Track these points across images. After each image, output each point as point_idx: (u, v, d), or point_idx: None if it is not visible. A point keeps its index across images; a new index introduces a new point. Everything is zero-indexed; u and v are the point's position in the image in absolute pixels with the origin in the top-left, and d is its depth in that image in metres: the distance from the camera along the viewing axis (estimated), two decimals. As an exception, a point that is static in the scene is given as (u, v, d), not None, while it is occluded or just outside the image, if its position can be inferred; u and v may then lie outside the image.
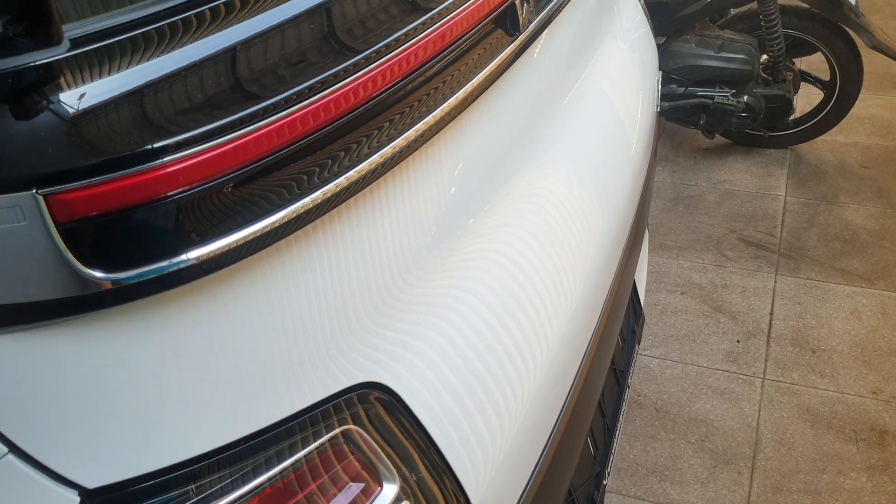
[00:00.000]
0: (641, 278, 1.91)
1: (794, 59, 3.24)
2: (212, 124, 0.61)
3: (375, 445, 0.80)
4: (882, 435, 2.07)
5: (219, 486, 0.71)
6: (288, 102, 0.65)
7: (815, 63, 3.41)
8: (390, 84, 0.74)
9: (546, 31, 1.04)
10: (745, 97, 3.09)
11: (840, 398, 2.19)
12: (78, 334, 0.63)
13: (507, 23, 0.92)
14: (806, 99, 3.40)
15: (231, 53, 0.64)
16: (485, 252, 0.98)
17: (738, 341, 2.42)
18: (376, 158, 0.75)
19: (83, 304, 0.60)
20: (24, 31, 0.55)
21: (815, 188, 3.12)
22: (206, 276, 0.65)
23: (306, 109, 0.66)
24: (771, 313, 2.52)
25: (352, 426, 0.79)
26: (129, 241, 0.60)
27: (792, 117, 3.25)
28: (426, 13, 0.78)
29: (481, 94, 0.88)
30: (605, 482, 1.46)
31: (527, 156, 1.12)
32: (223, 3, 0.65)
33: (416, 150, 0.81)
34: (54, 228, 0.57)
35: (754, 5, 3.07)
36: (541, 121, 1.18)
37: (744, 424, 2.13)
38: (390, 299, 0.86)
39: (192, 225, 0.62)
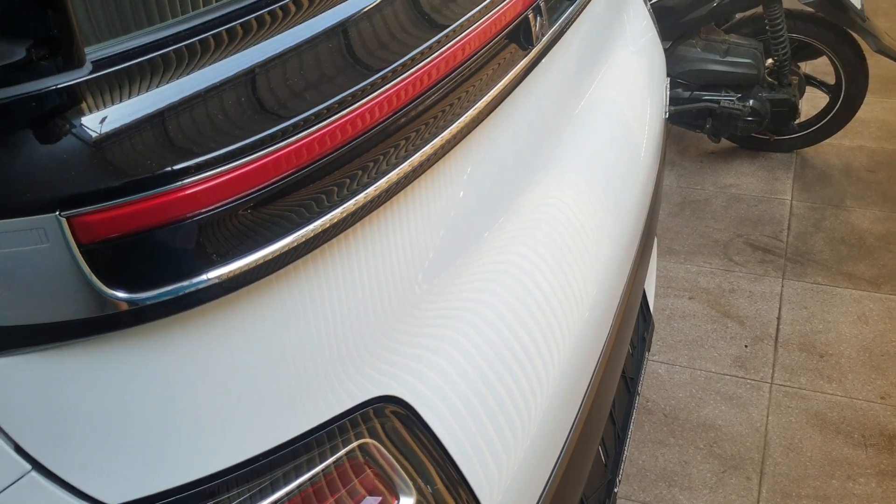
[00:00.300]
0: (651, 285, 1.92)
1: (799, 63, 3.24)
2: (231, 146, 0.62)
3: (392, 459, 0.81)
4: (891, 440, 2.07)
5: (237, 502, 0.71)
6: (306, 123, 0.66)
7: (821, 67, 3.41)
8: (406, 103, 0.74)
9: (558, 42, 1.04)
10: (751, 101, 3.09)
11: (848, 403, 2.19)
12: (99, 353, 0.64)
13: (520, 37, 0.92)
14: (811, 103, 3.40)
15: (250, 75, 0.64)
16: (499, 265, 0.98)
17: (745, 346, 2.42)
18: (393, 176, 0.76)
19: (105, 324, 0.61)
20: (46, 54, 0.56)
21: (821, 192, 3.12)
22: (226, 295, 0.65)
23: (324, 130, 0.67)
24: (778, 318, 2.52)
25: (368, 440, 0.80)
26: (151, 261, 0.61)
27: (797, 121, 3.24)
28: (441, 31, 0.79)
29: (495, 108, 0.89)
30: (615, 489, 1.46)
31: (539, 167, 1.12)
32: (240, 24, 0.66)
33: (430, 166, 0.82)
34: (77, 250, 0.58)
35: (760, 10, 3.07)
36: (552, 131, 1.18)
37: (752, 429, 2.13)
38: (405, 314, 0.86)
39: (212, 245, 0.63)
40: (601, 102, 1.42)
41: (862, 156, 3.34)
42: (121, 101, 0.58)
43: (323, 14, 0.71)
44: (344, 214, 0.72)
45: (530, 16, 0.91)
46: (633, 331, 1.61)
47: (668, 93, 1.87)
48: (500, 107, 0.94)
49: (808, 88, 3.30)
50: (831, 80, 3.19)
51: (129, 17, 0.63)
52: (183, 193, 0.60)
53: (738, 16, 3.25)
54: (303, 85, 0.67)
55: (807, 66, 3.46)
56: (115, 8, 0.62)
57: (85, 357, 0.63)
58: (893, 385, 2.23)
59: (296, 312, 0.75)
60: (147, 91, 0.59)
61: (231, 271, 0.64)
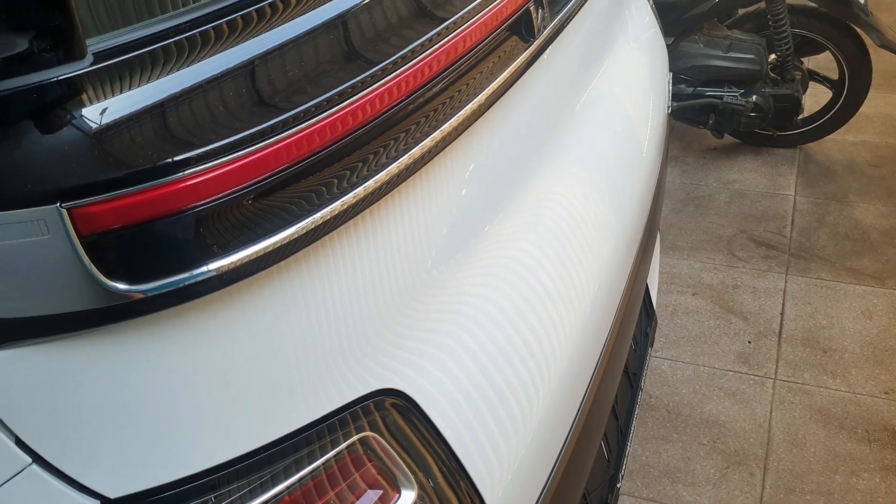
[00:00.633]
0: (654, 280, 1.91)
1: (802, 59, 3.23)
2: (232, 137, 0.62)
3: (393, 452, 0.81)
4: (895, 435, 2.06)
5: (238, 495, 0.71)
6: (307, 114, 0.66)
7: (824, 62, 3.39)
8: (407, 94, 0.74)
9: (559, 36, 1.04)
10: (754, 97, 3.09)
11: (852, 398, 2.19)
12: (100, 345, 0.64)
13: (521, 29, 0.92)
14: (814, 98, 3.39)
15: (250, 66, 0.64)
16: (500, 259, 0.98)
17: (749, 342, 2.41)
18: (393, 168, 0.75)
19: (106, 315, 0.61)
20: (48, 46, 0.56)
21: (824, 187, 3.12)
22: (226, 286, 0.65)
23: (325, 121, 0.67)
24: (782, 313, 2.51)
25: (369, 433, 0.80)
26: (152, 253, 0.61)
27: (801, 116, 3.24)
28: (442, 23, 0.79)
29: (495, 101, 0.88)
30: (618, 485, 1.46)
31: (541, 161, 1.12)
32: (240, 16, 0.65)
33: (431, 159, 0.82)
34: (78, 241, 0.58)
35: (762, 5, 3.06)
36: (554, 125, 1.18)
37: (756, 425, 2.13)
38: (406, 307, 0.86)
39: (213, 237, 0.63)
40: (603, 97, 1.41)
41: (866, 151, 3.33)
42: (121, 92, 0.58)
43: (324, 6, 0.70)
44: (344, 207, 0.72)
45: (532, 8, 0.91)
46: (635, 326, 1.61)
47: (671, 88, 1.87)
48: (502, 100, 0.93)
49: (812, 84, 3.29)
50: (834, 76, 3.18)
51: (130, 9, 0.63)
52: (183, 185, 0.60)
53: (741, 11, 3.24)
54: (303, 77, 0.67)
55: (810, 62, 3.45)
56: (116, 0, 0.62)
57: (85, 349, 0.63)
58: (897, 380, 2.23)
59: (297, 304, 0.74)
60: (147, 83, 0.59)
61: (232, 263, 0.64)
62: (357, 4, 0.72)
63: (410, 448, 0.82)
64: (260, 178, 0.64)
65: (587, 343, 1.13)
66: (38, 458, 0.64)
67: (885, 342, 2.36)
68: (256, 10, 0.67)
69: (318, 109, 0.67)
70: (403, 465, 0.81)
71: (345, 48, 0.72)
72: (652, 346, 1.81)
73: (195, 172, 0.60)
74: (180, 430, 0.69)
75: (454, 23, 0.79)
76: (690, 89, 3.15)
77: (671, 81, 1.89)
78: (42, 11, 0.55)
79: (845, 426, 2.11)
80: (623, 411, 1.56)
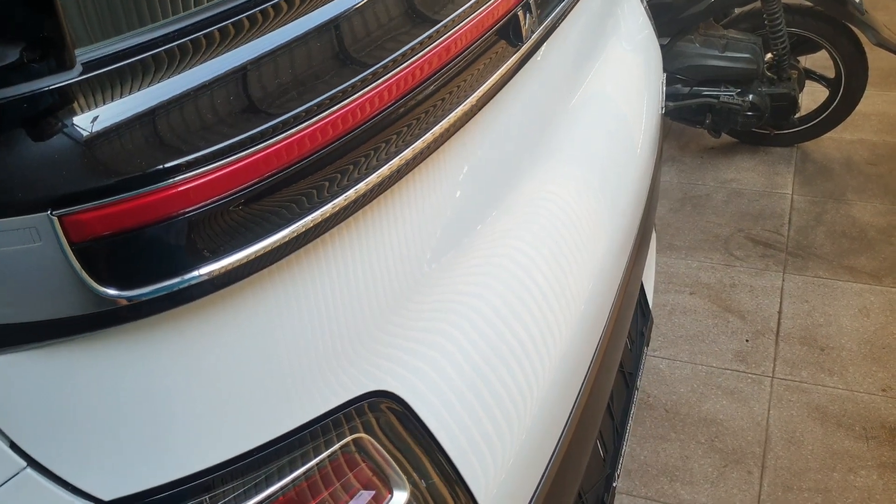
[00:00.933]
0: (649, 280, 1.92)
1: (798, 58, 3.24)
2: (221, 143, 0.62)
3: (386, 453, 0.81)
4: (892, 432, 2.07)
5: (233, 496, 0.72)
6: (296, 120, 0.67)
7: (820, 61, 3.40)
8: (396, 98, 0.75)
9: (551, 37, 1.05)
10: (751, 96, 3.09)
11: (850, 396, 2.19)
12: (93, 350, 0.65)
13: (509, 34, 0.93)
14: (811, 97, 3.39)
15: (239, 73, 0.65)
16: (493, 258, 0.99)
17: (746, 340, 2.42)
18: (383, 171, 0.76)
19: (98, 321, 0.62)
20: (38, 56, 0.57)
21: (821, 186, 3.12)
22: (218, 291, 0.66)
23: (314, 126, 0.68)
24: (779, 312, 2.52)
25: (362, 434, 0.81)
26: (143, 258, 0.62)
27: (797, 115, 3.25)
28: (429, 28, 0.80)
29: (486, 103, 0.89)
30: (614, 484, 1.47)
31: (534, 160, 1.13)
32: (231, 23, 0.66)
33: (422, 160, 0.82)
34: (69, 248, 0.59)
35: (758, 4, 3.07)
36: (547, 125, 1.19)
37: (753, 424, 2.14)
38: (399, 308, 0.87)
39: (204, 242, 0.64)
40: (596, 97, 1.42)
41: (863, 149, 3.34)
42: (111, 100, 0.59)
43: (312, 12, 0.71)
44: (335, 209, 0.73)
45: (520, 13, 0.92)
46: (631, 326, 1.62)
47: (665, 88, 1.88)
48: (493, 101, 0.94)
49: (808, 82, 3.30)
50: (831, 74, 3.19)
51: (120, 19, 0.63)
52: (173, 191, 0.60)
53: (737, 11, 3.25)
54: (291, 82, 0.68)
55: (806, 60, 3.46)
56: (106, 10, 0.63)
57: (78, 354, 0.63)
58: (894, 377, 2.24)
59: (289, 307, 0.75)
60: (137, 91, 0.60)
61: (222, 267, 0.65)
62: (345, 11, 0.73)
63: (403, 449, 0.83)
64: (250, 183, 0.65)
65: (581, 341, 1.14)
66: (32, 462, 0.65)
67: (882, 339, 2.37)
68: (247, 17, 0.68)
69: (308, 114, 0.68)
70: (396, 466, 0.82)
71: (333, 53, 0.73)
72: (648, 345, 1.81)
73: (184, 179, 0.61)
74: (174, 431, 0.70)
75: (442, 28, 0.80)
76: (687, 89, 3.16)
77: (665, 82, 1.89)
78: (31, 22, 0.56)
79: (843, 424, 2.11)
80: (619, 410, 1.57)
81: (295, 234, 0.70)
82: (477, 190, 0.99)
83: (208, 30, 0.65)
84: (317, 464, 0.77)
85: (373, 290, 0.84)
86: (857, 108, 3.20)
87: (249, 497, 0.73)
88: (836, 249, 2.77)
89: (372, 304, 0.84)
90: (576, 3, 1.09)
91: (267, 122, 0.66)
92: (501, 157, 1.05)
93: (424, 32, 0.79)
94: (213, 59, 0.64)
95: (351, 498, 0.78)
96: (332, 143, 0.71)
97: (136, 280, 0.62)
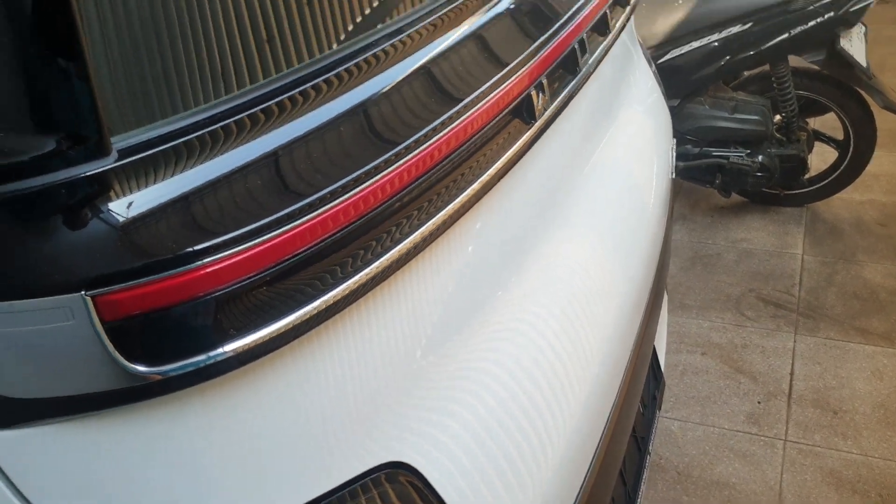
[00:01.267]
0: (661, 342, 1.93)
1: (807, 119, 3.28)
2: (245, 227, 0.65)
3: (400, 524, 0.82)
4: (908, 499, 2.05)
5: (250, 567, 0.73)
6: (321, 202, 0.69)
7: (829, 122, 3.44)
8: (413, 180, 0.78)
9: (562, 112, 1.08)
10: (760, 157, 3.13)
11: (864, 461, 2.17)
12: (121, 423, 0.66)
13: (523, 112, 0.96)
14: (820, 157, 3.42)
15: (263, 161, 0.68)
16: (510, 324, 1.00)
17: (758, 402, 2.41)
18: (401, 248, 0.79)
19: (127, 395, 0.64)
20: (75, 144, 0.60)
21: (832, 246, 3.13)
22: (241, 367, 0.68)
23: (336, 208, 0.70)
24: (791, 373, 2.51)
25: (378, 506, 0.82)
26: (170, 336, 0.64)
27: (807, 176, 3.27)
28: (446, 112, 0.83)
29: (500, 179, 0.92)
30: (627, 551, 1.46)
31: (548, 225, 1.15)
32: (261, 110, 0.70)
33: (439, 235, 0.85)
34: (100, 326, 0.61)
35: (767, 68, 3.12)
36: (560, 191, 1.21)
37: (766, 488, 2.12)
38: (416, 378, 0.89)
39: (228, 320, 0.66)
40: (609, 163, 1.45)
41: (873, 209, 3.36)
42: (144, 186, 0.62)
43: (335, 100, 0.75)
44: (354, 287, 0.75)
45: (533, 93, 0.95)
46: (643, 389, 1.62)
47: (675, 153, 1.91)
48: (507, 173, 0.97)
49: (817, 143, 3.33)
50: (840, 136, 3.22)
51: (154, 107, 0.67)
52: (200, 273, 0.63)
53: (746, 74, 3.30)
54: (314, 168, 0.71)
55: (815, 122, 3.50)
56: (140, 99, 0.66)
57: (107, 427, 0.65)
58: (909, 442, 2.22)
59: (307, 381, 0.77)
60: (168, 178, 0.63)
61: (245, 345, 0.67)
62: (367, 99, 0.77)
63: (418, 520, 0.84)
64: (273, 263, 0.67)
65: (595, 406, 1.15)
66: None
67: (896, 403, 2.36)
68: (276, 104, 0.71)
69: (333, 196, 0.70)
70: (411, 537, 0.82)
71: (355, 140, 0.76)
72: (660, 409, 1.81)
73: (210, 261, 0.63)
74: (192, 502, 0.71)
75: (457, 112, 0.83)
76: (697, 149, 3.20)
77: (675, 147, 1.93)
78: (70, 112, 0.59)
79: (858, 490, 2.09)
80: (631, 475, 1.56)
81: (315, 312, 0.72)
82: (494, 259, 1.02)
83: (237, 117, 0.68)
84: (333, 535, 0.78)
85: (390, 362, 0.85)
86: (867, 169, 3.23)
87: (266, 569, 0.73)
88: (847, 311, 2.77)
89: (389, 376, 0.85)
90: (588, 79, 1.13)
91: (289, 206, 0.68)
92: (517, 224, 1.08)
93: (440, 117, 0.82)
94: (240, 147, 0.67)
95: (366, 569, 0.79)
96: (353, 224, 0.73)
97: (164, 357, 0.64)
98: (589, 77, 1.13)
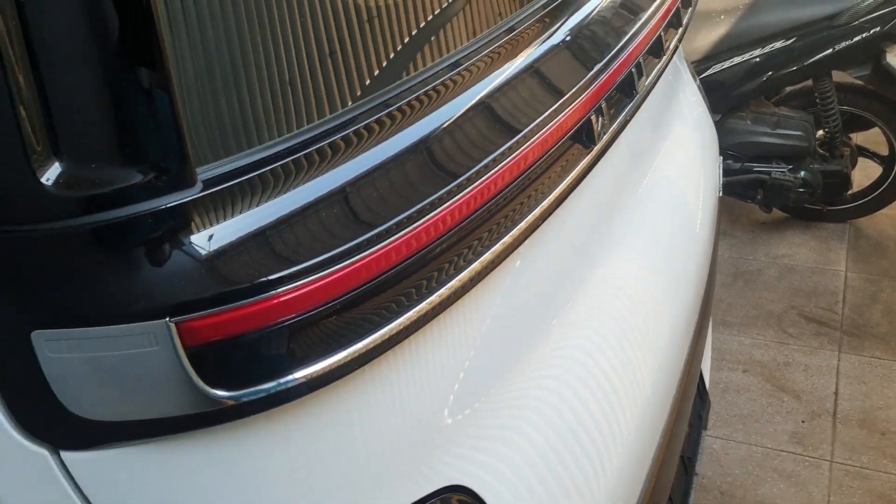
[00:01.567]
0: (706, 361, 1.92)
1: (850, 135, 3.24)
2: (320, 257, 0.66)
3: (461, 547, 0.83)
4: (958, 524, 2.01)
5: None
6: (395, 229, 0.71)
7: (873, 137, 3.40)
8: (477, 208, 0.79)
9: (620, 136, 1.09)
10: (803, 173, 3.10)
11: (912, 484, 2.14)
12: (194, 447, 0.68)
13: (583, 137, 0.97)
14: (864, 172, 3.38)
15: (339, 192, 0.70)
16: (563, 352, 1.01)
17: (802, 421, 2.38)
18: (463, 276, 0.80)
19: (206, 419, 0.66)
20: (162, 175, 0.62)
21: (876, 263, 3.09)
22: (313, 392, 0.70)
23: (408, 235, 0.72)
24: (836, 393, 2.48)
25: (439, 528, 0.82)
26: (247, 362, 0.65)
27: (850, 192, 3.23)
28: (510, 140, 0.84)
29: (560, 204, 0.93)
30: (675, 574, 1.45)
31: (601, 249, 1.16)
32: (341, 138, 0.71)
33: (500, 263, 0.86)
34: (183, 352, 0.62)
35: (810, 83, 3.10)
36: (613, 214, 1.22)
37: (812, 510, 2.09)
38: (474, 402, 0.89)
39: (301, 347, 0.67)
40: (659, 183, 1.45)
41: (918, 226, 3.31)
42: (227, 217, 0.64)
43: (402, 132, 0.76)
44: (420, 314, 0.76)
45: (592, 117, 0.96)
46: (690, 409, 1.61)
47: (722, 170, 1.90)
48: (567, 198, 0.98)
49: (861, 159, 3.29)
50: (884, 151, 3.18)
51: (235, 138, 0.69)
52: (279, 300, 0.64)
53: (788, 89, 3.28)
54: (385, 197, 0.72)
55: (859, 137, 3.46)
56: (222, 130, 0.68)
57: (187, 450, 0.67)
58: (959, 465, 2.18)
59: (369, 406, 0.78)
60: (250, 208, 0.65)
61: (318, 370, 0.68)
62: (433, 132, 0.78)
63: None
64: (345, 292, 0.69)
65: (647, 430, 1.15)
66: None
67: (944, 425, 2.31)
68: (354, 133, 0.73)
69: (408, 222, 0.72)
70: (471, 560, 0.83)
71: (418, 171, 0.77)
72: (706, 428, 1.80)
73: (288, 289, 0.65)
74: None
75: (517, 142, 0.84)
76: (738, 165, 3.18)
77: (721, 163, 1.92)
78: (157, 144, 0.61)
79: (906, 513, 2.06)
80: (678, 497, 1.56)
81: (381, 340, 0.73)
82: (548, 284, 1.02)
83: (314, 147, 0.70)
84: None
85: (450, 387, 0.86)
86: (912, 184, 3.18)
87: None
88: (893, 329, 2.72)
89: (448, 400, 0.86)
90: (644, 101, 1.13)
91: (361, 236, 0.70)
92: (572, 249, 1.08)
93: (503, 145, 0.84)
94: (315, 179, 0.69)
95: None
96: (420, 252, 0.75)
97: (240, 382, 0.65)
98: (645, 99, 1.13)
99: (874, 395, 2.45)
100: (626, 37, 1.08)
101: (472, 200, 0.78)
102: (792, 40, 2.99)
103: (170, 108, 0.61)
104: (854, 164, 3.22)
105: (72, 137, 0.59)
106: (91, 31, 0.58)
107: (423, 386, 0.84)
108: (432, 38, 0.90)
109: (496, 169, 0.81)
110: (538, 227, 0.90)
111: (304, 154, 0.71)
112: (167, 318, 0.62)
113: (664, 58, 1.21)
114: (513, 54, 0.94)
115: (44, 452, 0.67)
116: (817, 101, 3.05)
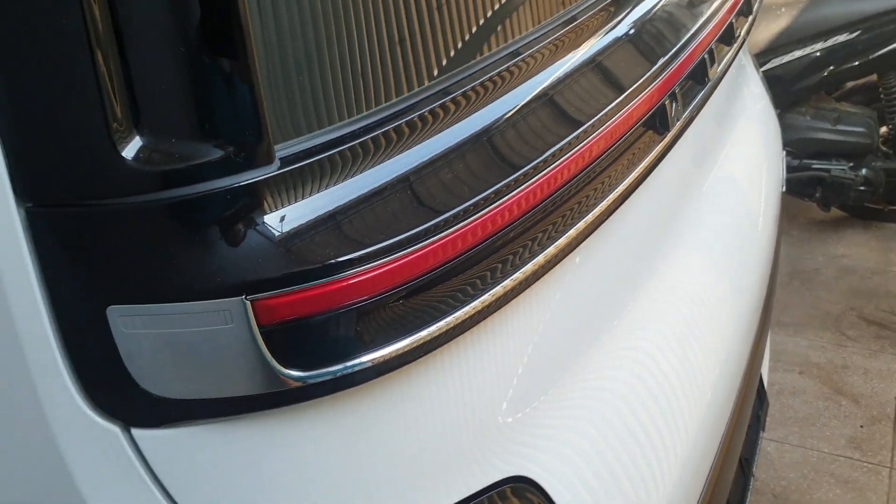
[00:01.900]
0: (765, 361, 1.87)
1: (916, 132, 3.15)
2: (391, 240, 0.65)
3: (525, 537, 0.82)
4: None
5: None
6: (466, 213, 0.69)
7: (938, 135, 3.29)
8: (548, 195, 0.77)
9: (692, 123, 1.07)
10: (864, 170, 3.01)
11: (977, 493, 2.07)
12: (265, 429, 0.68)
13: (656, 123, 0.94)
14: (928, 172, 3.28)
15: (409, 176, 0.68)
16: (627, 352, 0.99)
17: (861, 426, 2.31)
18: (528, 268, 0.78)
19: (276, 399, 0.65)
20: (240, 152, 0.61)
21: (940, 265, 3.00)
22: (382, 376, 0.68)
23: (476, 223, 0.70)
24: (896, 398, 2.41)
25: (501, 519, 0.81)
26: (319, 344, 0.65)
27: (914, 191, 3.14)
28: (583, 124, 0.82)
29: (633, 191, 0.91)
30: (732, 576, 1.41)
31: (665, 246, 1.13)
32: (416, 116, 0.70)
33: (568, 253, 0.84)
34: (258, 331, 0.62)
35: (873, 78, 3.01)
36: (678, 211, 1.19)
37: (870, 517, 2.03)
38: (539, 395, 0.88)
39: (371, 332, 0.66)
40: (724, 178, 1.42)
41: (984, 228, 3.19)
42: (305, 195, 0.63)
43: (469, 118, 0.75)
44: (489, 302, 0.75)
45: (667, 102, 0.93)
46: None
47: (785, 166, 1.85)
48: (640, 186, 0.96)
49: (926, 158, 3.19)
50: (951, 150, 3.08)
51: (311, 117, 0.68)
52: (353, 281, 0.63)
53: (850, 84, 3.19)
54: (455, 183, 0.71)
55: (923, 135, 3.35)
56: (300, 108, 0.67)
57: (260, 430, 0.67)
58: None
59: (437, 394, 0.77)
60: (327, 187, 0.64)
61: (384, 356, 0.67)
62: (501, 117, 0.77)
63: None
64: (415, 276, 0.67)
65: (708, 431, 1.12)
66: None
67: None
68: (419, 117, 0.72)
69: (477, 208, 0.70)
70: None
71: (490, 156, 0.76)
72: (764, 430, 1.76)
73: (363, 270, 0.64)
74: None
75: (592, 125, 0.82)
76: (797, 161, 3.10)
77: (785, 158, 1.87)
78: (236, 121, 0.60)
79: (970, 523, 1.99)
80: (735, 499, 1.52)
81: (450, 327, 0.72)
82: (611, 282, 1.00)
83: (393, 124, 0.69)
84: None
85: (516, 377, 0.85)
86: (979, 185, 3.07)
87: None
88: (957, 334, 2.64)
89: (514, 391, 0.85)
90: (715, 88, 1.10)
91: (432, 220, 0.68)
92: (635, 246, 1.06)
93: (577, 129, 0.82)
94: (388, 160, 0.68)
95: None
96: (487, 240, 0.73)
97: (313, 363, 0.64)
98: (716, 87, 1.10)
99: (937, 401, 2.37)
100: (700, 21, 1.05)
101: (541, 189, 0.76)
102: (856, 34, 2.90)
103: (250, 84, 0.60)
104: (919, 163, 3.12)
105: (153, 112, 0.59)
106: (175, 9, 0.57)
107: (490, 376, 0.82)
108: (505, 24, 0.89)
109: (572, 152, 0.79)
110: (605, 220, 0.88)
111: (382, 132, 0.69)
112: (243, 296, 0.61)
113: (735, 45, 1.18)
114: (586, 38, 0.92)
115: (115, 429, 0.67)
116: (882, 96, 2.96)
